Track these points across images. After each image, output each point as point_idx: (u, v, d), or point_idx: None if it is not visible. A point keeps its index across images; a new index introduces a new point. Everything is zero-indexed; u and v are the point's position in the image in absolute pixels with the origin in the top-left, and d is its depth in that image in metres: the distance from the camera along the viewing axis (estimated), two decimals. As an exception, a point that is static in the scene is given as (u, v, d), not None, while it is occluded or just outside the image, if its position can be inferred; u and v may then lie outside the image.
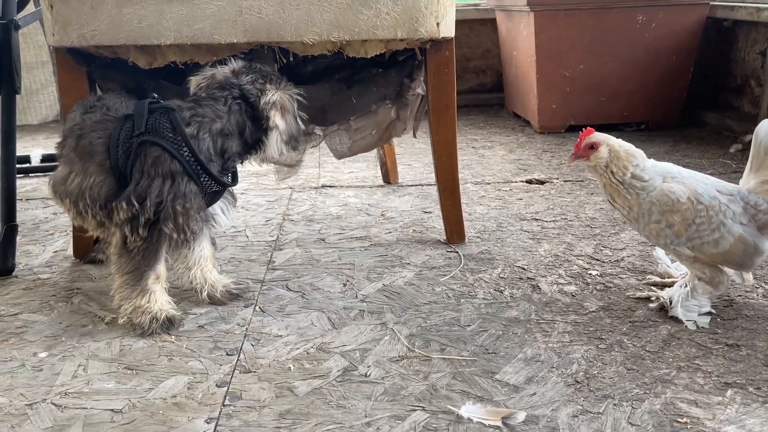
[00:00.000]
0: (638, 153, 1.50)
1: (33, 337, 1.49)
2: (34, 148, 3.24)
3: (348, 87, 1.94)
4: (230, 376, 1.32)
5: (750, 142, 1.52)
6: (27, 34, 3.82)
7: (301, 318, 1.55)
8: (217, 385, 1.29)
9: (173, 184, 1.43)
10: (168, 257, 1.53)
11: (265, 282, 1.75)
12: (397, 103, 1.99)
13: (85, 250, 1.90)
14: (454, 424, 1.16)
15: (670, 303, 1.51)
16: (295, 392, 1.26)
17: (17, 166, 2.07)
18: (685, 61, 3.39)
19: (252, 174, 2.76)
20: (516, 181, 2.63)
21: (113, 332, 1.50)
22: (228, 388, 1.28)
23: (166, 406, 1.23)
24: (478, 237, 2.03)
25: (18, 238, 1.95)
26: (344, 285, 1.72)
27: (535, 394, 1.24)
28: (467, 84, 4.35)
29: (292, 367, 1.35)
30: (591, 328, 1.47)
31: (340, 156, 2.06)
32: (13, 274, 1.83)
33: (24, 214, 2.34)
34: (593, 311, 1.55)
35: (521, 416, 1.17)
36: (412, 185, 2.61)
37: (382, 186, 2.61)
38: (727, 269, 1.52)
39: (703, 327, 1.46)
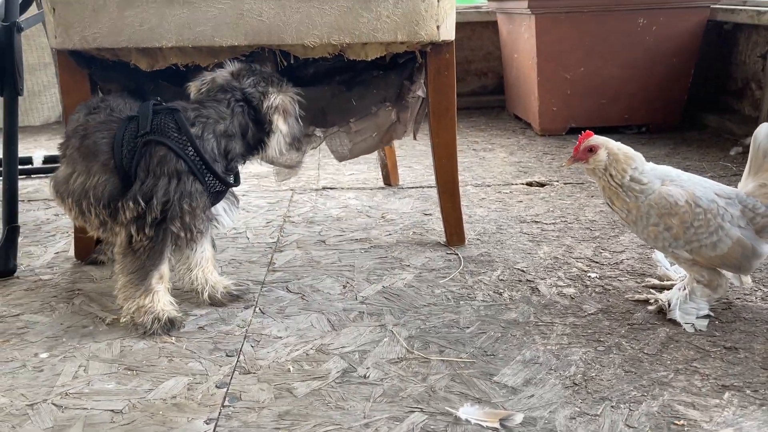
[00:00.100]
0: (637, 156, 1.50)
1: (34, 338, 1.49)
2: (36, 149, 3.25)
3: (348, 89, 1.94)
4: (230, 377, 1.33)
5: (750, 145, 1.53)
6: (29, 36, 3.84)
7: (301, 319, 1.56)
8: (216, 386, 1.30)
9: (179, 183, 1.44)
10: (171, 258, 1.53)
11: (266, 283, 1.75)
12: (397, 106, 1.99)
13: (87, 251, 1.91)
14: (452, 426, 1.16)
15: (669, 306, 1.52)
16: (294, 393, 1.27)
17: (19, 167, 2.07)
18: (686, 64, 3.39)
19: (253, 176, 2.77)
20: (516, 184, 2.63)
21: (114, 333, 1.51)
22: (227, 389, 1.29)
23: (165, 406, 1.24)
24: (477, 239, 2.04)
25: (20, 239, 1.96)
26: (344, 287, 1.72)
27: (533, 396, 1.25)
28: (468, 86, 4.36)
29: (291, 369, 1.35)
30: (589, 331, 1.47)
31: (341, 158, 2.06)
32: (15, 275, 1.84)
33: (26, 215, 2.35)
34: (592, 314, 1.55)
35: (519, 418, 1.18)
36: (412, 187, 2.62)
37: (382, 188, 2.62)
38: (725, 272, 1.53)
39: (701, 330, 1.46)
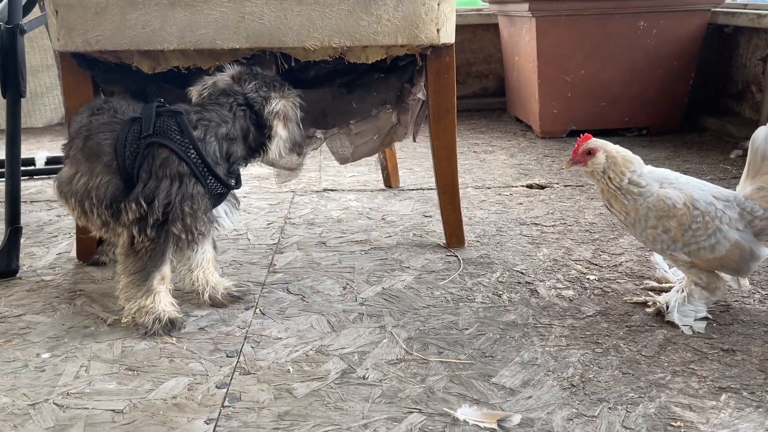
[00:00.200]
0: (635, 159, 1.51)
1: (36, 338, 1.50)
2: (38, 150, 3.26)
3: (349, 92, 1.96)
4: (230, 378, 1.33)
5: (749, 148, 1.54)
6: (32, 38, 3.85)
7: (301, 321, 1.56)
8: (216, 386, 1.31)
9: (181, 185, 1.45)
10: (173, 259, 1.54)
11: (266, 285, 1.76)
12: (397, 108, 2.00)
13: (89, 252, 1.92)
14: (450, 427, 1.17)
15: (667, 308, 1.52)
16: (293, 394, 1.28)
17: (22, 168, 2.08)
18: (686, 67, 3.40)
19: (254, 177, 2.78)
20: (516, 186, 2.64)
21: (115, 334, 1.52)
22: (228, 390, 1.29)
23: (166, 406, 1.25)
24: (477, 241, 2.05)
25: (22, 240, 1.97)
26: (344, 288, 1.73)
27: (530, 397, 1.25)
28: (470, 88, 4.37)
29: (291, 369, 1.36)
30: (588, 332, 1.48)
31: (343, 161, 2.07)
32: (17, 275, 1.85)
33: (28, 216, 2.36)
34: (590, 315, 1.56)
35: (516, 419, 1.19)
36: (412, 189, 2.63)
37: (383, 190, 2.63)
38: (723, 275, 1.53)
39: (698, 332, 1.47)
